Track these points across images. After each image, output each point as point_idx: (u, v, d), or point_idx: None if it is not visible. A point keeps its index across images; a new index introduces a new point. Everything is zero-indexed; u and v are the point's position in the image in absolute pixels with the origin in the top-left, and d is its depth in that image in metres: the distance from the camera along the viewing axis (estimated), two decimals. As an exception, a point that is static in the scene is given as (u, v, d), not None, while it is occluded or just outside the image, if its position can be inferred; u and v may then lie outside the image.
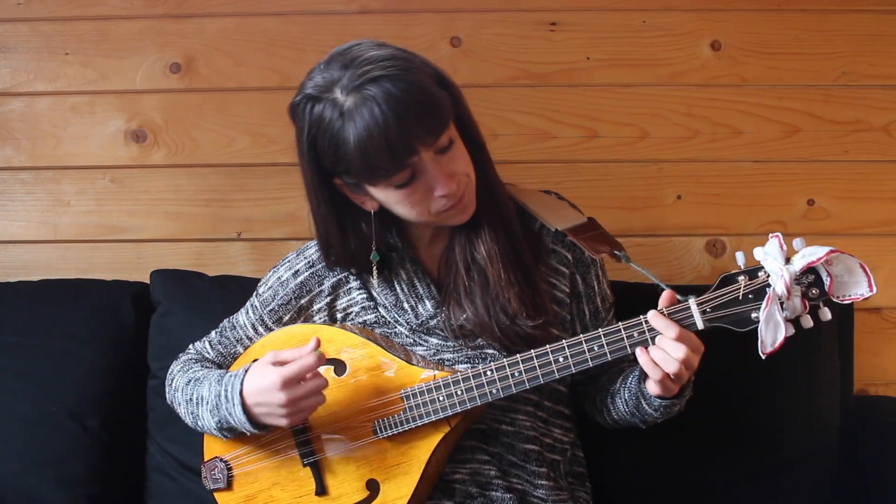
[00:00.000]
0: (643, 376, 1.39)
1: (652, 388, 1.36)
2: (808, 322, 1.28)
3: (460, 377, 1.38)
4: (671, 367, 1.30)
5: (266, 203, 2.07)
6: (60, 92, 2.07)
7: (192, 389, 1.49)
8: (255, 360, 1.47)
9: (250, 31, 2.07)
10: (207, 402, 1.44)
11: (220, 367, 1.58)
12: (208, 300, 1.83)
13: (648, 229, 2.06)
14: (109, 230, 2.08)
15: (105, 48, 2.07)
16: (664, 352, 1.30)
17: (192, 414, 1.49)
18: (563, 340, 1.35)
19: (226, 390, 1.41)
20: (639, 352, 1.32)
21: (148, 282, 1.91)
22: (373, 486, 1.43)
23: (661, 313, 1.30)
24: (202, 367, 1.55)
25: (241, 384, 1.39)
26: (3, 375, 1.80)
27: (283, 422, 1.38)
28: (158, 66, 2.07)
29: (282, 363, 1.38)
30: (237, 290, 1.79)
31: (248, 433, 1.43)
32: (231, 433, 1.45)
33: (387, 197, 1.37)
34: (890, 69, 2.05)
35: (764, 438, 1.77)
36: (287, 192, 2.06)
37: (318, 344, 1.39)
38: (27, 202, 2.08)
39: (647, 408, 1.43)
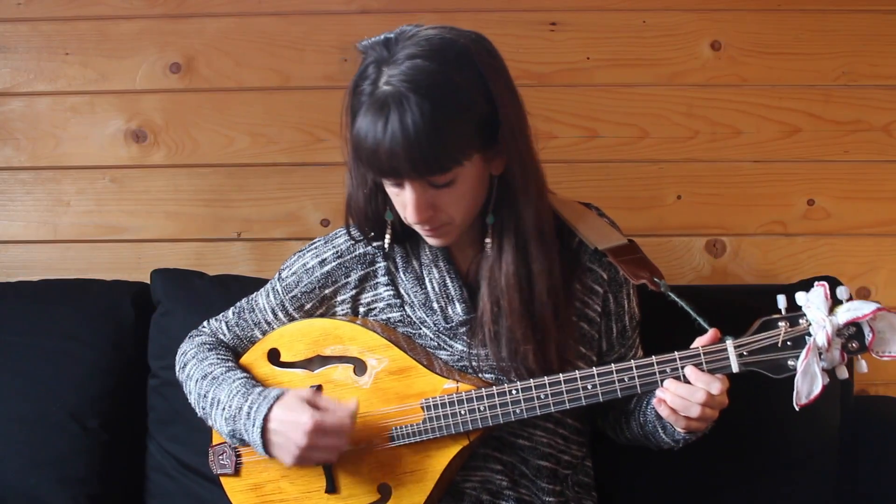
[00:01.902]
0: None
1: (680, 428, 1.36)
2: (843, 373, 1.27)
3: (484, 393, 1.36)
4: (694, 412, 1.29)
5: (266, 203, 2.07)
6: (60, 92, 2.07)
7: (209, 388, 1.46)
8: (267, 360, 1.48)
9: (250, 31, 2.07)
10: (225, 409, 1.42)
11: (235, 350, 1.55)
12: (208, 300, 1.83)
13: (648, 229, 2.05)
14: (109, 230, 2.08)
15: (105, 48, 2.07)
16: (682, 398, 1.29)
17: (202, 409, 1.48)
18: (594, 368, 1.33)
19: (251, 408, 1.38)
20: (657, 404, 1.31)
21: (148, 282, 1.90)
22: (384, 491, 1.42)
23: (699, 366, 1.29)
24: (219, 357, 1.51)
25: (269, 410, 1.37)
26: (3, 375, 1.80)
27: (287, 460, 1.36)
28: (158, 66, 2.07)
29: (315, 406, 1.35)
30: (237, 290, 1.79)
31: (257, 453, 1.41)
32: (240, 443, 1.44)
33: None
34: (890, 69, 2.05)
35: (764, 439, 1.77)
36: (287, 192, 2.07)
37: (357, 408, 1.37)
38: (27, 202, 2.08)
39: (665, 438, 1.42)
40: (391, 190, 1.35)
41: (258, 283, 1.63)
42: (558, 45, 2.06)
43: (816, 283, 1.26)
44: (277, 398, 1.38)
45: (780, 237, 2.06)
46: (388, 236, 1.44)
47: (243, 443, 1.42)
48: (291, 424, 1.34)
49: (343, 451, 1.37)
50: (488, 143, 1.32)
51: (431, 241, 1.40)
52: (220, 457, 1.51)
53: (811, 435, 1.79)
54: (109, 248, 2.08)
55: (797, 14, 2.05)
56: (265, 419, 1.36)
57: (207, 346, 1.54)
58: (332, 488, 1.44)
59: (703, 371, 1.30)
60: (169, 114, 2.07)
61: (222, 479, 1.51)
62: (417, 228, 1.38)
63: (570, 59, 2.06)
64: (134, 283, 1.93)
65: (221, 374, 1.47)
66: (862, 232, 2.06)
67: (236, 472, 1.50)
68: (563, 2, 2.05)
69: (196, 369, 1.50)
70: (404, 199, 1.32)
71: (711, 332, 1.31)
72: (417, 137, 1.23)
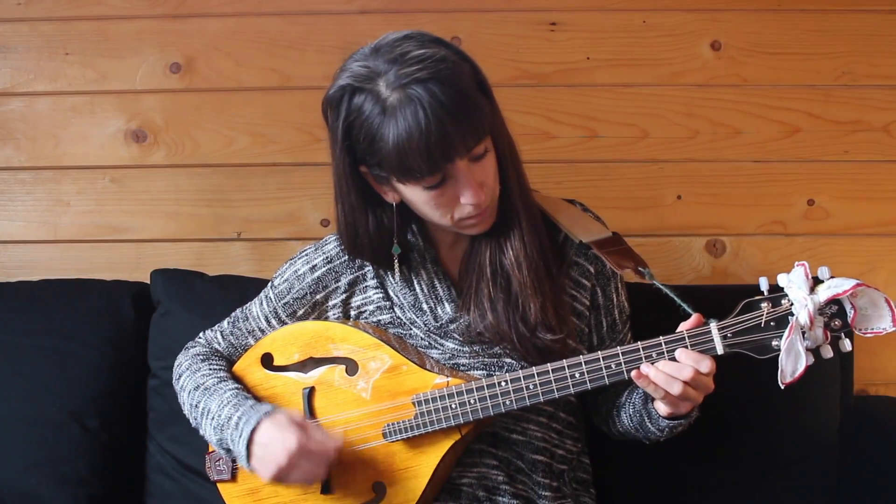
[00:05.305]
0: (649, 396, 1.38)
1: (661, 407, 1.35)
2: (828, 352, 1.27)
3: (474, 386, 1.37)
4: (675, 389, 1.29)
5: (266, 203, 2.07)
6: (60, 92, 2.07)
7: (201, 398, 1.47)
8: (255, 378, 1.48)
9: (250, 31, 2.07)
10: (214, 419, 1.43)
11: (229, 358, 1.57)
12: (208, 300, 1.83)
13: (648, 229, 2.06)
14: (109, 230, 2.08)
15: (105, 48, 2.07)
16: (666, 374, 1.29)
17: (194, 418, 1.49)
18: (581, 356, 1.33)
19: (240, 419, 1.39)
20: (634, 375, 1.30)
21: (148, 282, 1.90)
22: (379, 489, 1.42)
23: (684, 343, 1.29)
24: (211, 368, 1.52)
25: (258, 423, 1.37)
26: (3, 375, 1.80)
27: (265, 475, 1.36)
28: (158, 66, 2.07)
29: (303, 429, 1.36)
30: (237, 290, 1.79)
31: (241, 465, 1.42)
32: (226, 453, 1.45)
33: (413, 195, 1.36)
34: (890, 69, 2.05)
35: (764, 438, 1.77)
36: (287, 192, 2.07)
37: (343, 443, 1.39)
38: (27, 202, 2.08)
39: (651, 427, 1.42)
40: (429, 195, 1.34)
41: (258, 284, 1.63)
42: (558, 45, 2.06)
43: (797, 263, 1.27)
44: (267, 413, 1.38)
45: (780, 237, 2.06)
46: (395, 271, 1.47)
47: (229, 452, 1.44)
48: (277, 442, 1.35)
49: (320, 479, 1.38)
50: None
51: (479, 228, 1.40)
52: (217, 463, 1.51)
53: (811, 435, 1.79)
54: (109, 248, 2.08)
55: (797, 14, 2.05)
56: (252, 431, 1.37)
57: (201, 357, 1.56)
58: (327, 489, 1.44)
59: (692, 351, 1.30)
60: (169, 114, 2.07)
61: (219, 486, 1.52)
62: (464, 220, 1.37)
63: (570, 59, 2.06)
64: (134, 283, 1.93)
65: (213, 384, 1.48)
66: (862, 232, 2.06)
67: (233, 478, 1.50)
68: (563, 2, 2.05)
69: (189, 380, 1.52)
70: (457, 189, 1.33)
71: (695, 317, 1.31)
72: (456, 105, 1.26)
